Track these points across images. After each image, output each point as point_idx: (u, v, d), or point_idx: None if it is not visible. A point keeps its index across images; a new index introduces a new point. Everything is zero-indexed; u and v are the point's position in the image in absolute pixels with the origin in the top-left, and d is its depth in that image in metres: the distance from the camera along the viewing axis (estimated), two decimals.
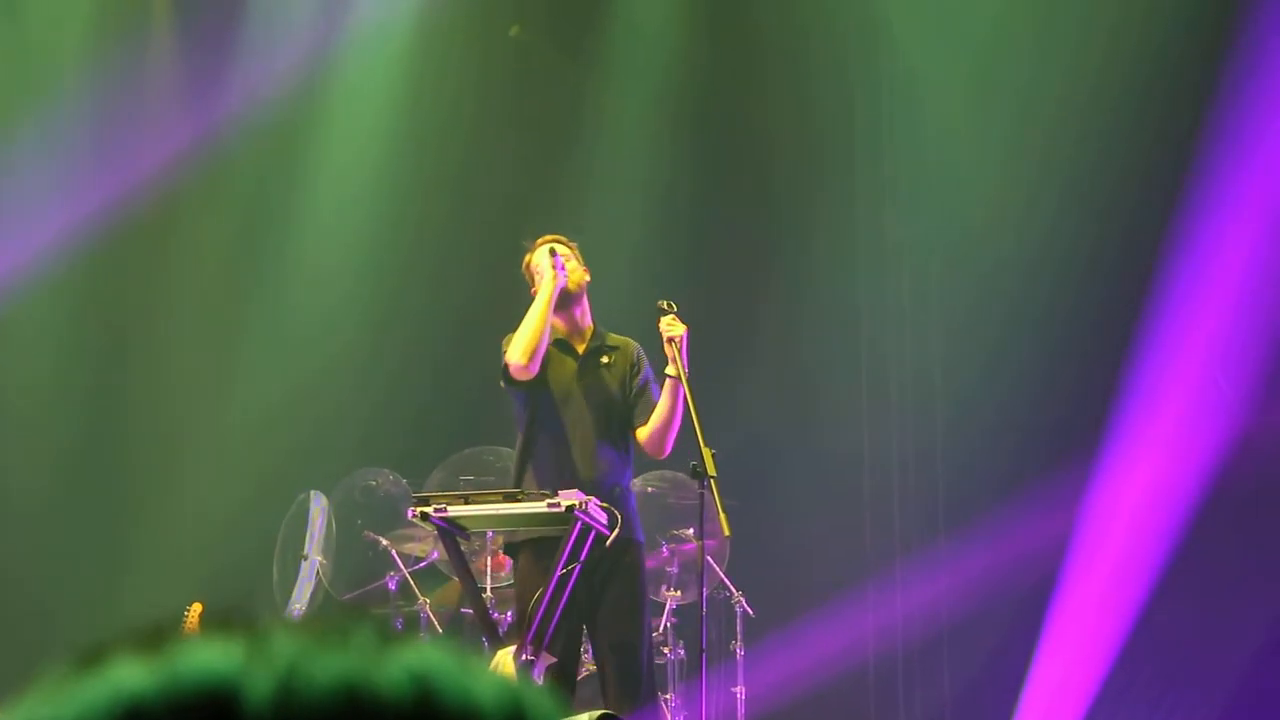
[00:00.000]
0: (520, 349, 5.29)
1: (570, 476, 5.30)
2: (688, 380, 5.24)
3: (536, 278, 5.50)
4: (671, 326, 5.35)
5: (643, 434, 5.44)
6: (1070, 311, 7.87)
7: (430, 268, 8.40)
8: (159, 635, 0.64)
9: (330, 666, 0.63)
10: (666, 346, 5.33)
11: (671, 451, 5.53)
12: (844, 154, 8.58)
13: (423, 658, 0.64)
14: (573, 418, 5.41)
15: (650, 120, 8.62)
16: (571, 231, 5.75)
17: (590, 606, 5.30)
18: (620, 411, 5.47)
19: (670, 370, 5.33)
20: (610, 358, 5.52)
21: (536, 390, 5.40)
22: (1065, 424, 7.76)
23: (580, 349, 5.52)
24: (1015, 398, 7.89)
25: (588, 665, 5.89)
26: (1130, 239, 7.75)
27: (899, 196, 8.48)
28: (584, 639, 5.50)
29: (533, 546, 5.32)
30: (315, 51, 8.35)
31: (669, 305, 5.44)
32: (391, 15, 8.46)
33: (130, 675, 0.63)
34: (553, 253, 5.44)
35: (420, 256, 8.41)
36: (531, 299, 5.47)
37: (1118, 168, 7.80)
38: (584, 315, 5.56)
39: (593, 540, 5.13)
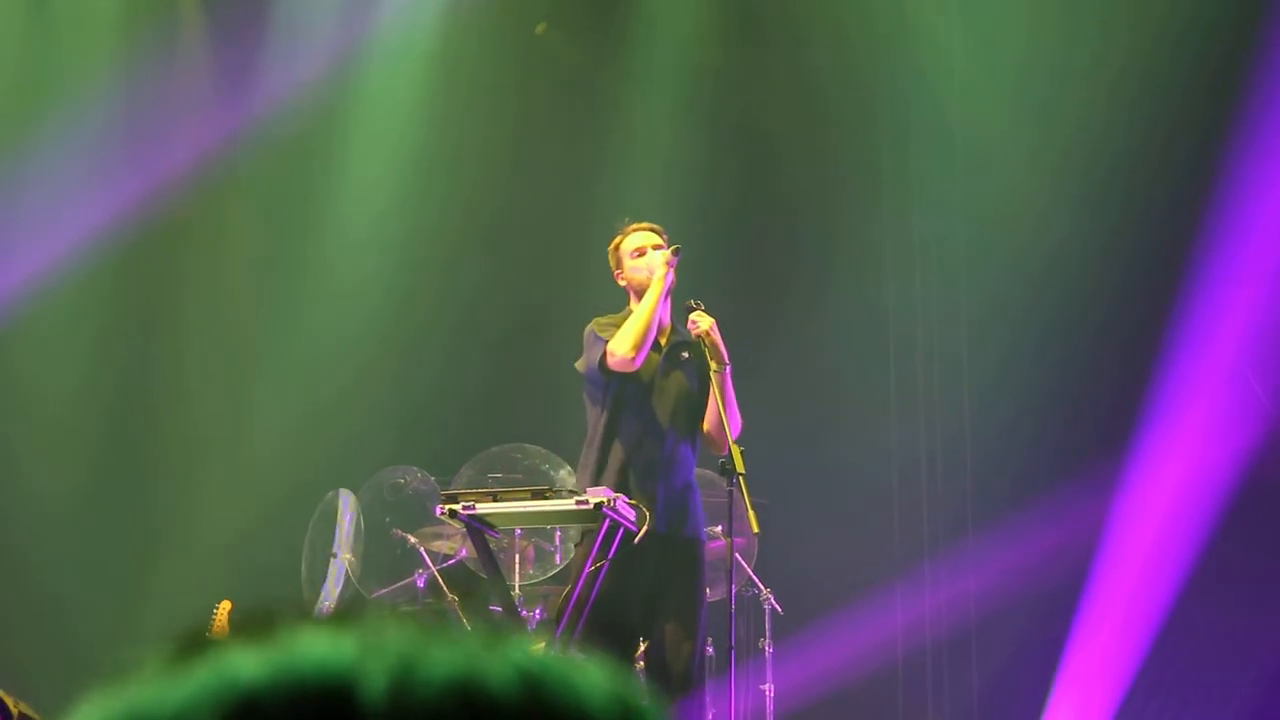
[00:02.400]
0: (630, 342, 5.32)
1: (649, 462, 5.35)
2: (728, 371, 5.38)
3: (626, 265, 5.53)
4: (698, 321, 5.38)
5: (706, 427, 5.52)
6: (1099, 309, 7.84)
7: (459, 267, 8.40)
8: (268, 624, 0.62)
9: (442, 662, 0.62)
10: (702, 339, 5.42)
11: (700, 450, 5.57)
12: (871, 153, 8.56)
13: (531, 655, 0.64)
14: (656, 408, 5.45)
15: (676, 119, 8.60)
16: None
17: (652, 602, 5.32)
18: (696, 406, 5.52)
19: (714, 365, 5.39)
20: (689, 353, 5.56)
21: (627, 378, 5.43)
22: (1094, 421, 7.74)
23: (662, 342, 5.55)
24: (1043, 395, 7.86)
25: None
26: (1160, 236, 7.72)
27: (925, 195, 8.46)
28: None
29: (593, 537, 5.35)
30: (340, 56, 8.35)
31: (695, 303, 5.49)
32: (416, 17, 8.45)
33: (242, 665, 0.61)
34: (676, 252, 5.46)
35: (450, 257, 8.41)
36: (615, 282, 5.56)
37: (1146, 164, 7.77)
38: (666, 312, 5.59)
39: (651, 538, 5.18)
